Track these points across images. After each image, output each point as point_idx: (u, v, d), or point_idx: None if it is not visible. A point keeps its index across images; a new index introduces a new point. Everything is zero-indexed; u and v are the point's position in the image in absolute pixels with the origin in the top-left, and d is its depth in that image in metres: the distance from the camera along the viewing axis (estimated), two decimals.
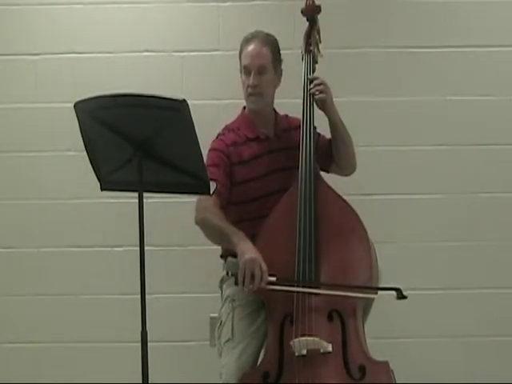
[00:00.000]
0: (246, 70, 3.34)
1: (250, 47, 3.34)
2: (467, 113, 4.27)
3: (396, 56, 4.26)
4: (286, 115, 3.53)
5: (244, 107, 3.47)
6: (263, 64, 3.33)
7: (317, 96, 3.32)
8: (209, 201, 3.17)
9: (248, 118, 3.44)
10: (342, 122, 3.40)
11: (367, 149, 4.23)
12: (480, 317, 4.27)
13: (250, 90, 3.34)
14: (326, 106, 3.33)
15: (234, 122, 3.47)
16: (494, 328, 4.27)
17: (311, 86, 3.33)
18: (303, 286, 3.11)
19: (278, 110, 3.52)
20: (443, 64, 4.26)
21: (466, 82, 4.27)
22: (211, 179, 3.09)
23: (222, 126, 3.47)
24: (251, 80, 3.32)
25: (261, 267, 3.01)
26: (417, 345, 4.22)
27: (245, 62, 3.35)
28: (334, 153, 3.46)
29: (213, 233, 3.23)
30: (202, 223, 3.23)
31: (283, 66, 3.43)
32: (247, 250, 3.05)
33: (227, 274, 3.36)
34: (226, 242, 3.19)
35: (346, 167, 3.52)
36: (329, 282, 3.14)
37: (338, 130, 3.39)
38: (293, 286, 3.10)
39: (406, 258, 4.24)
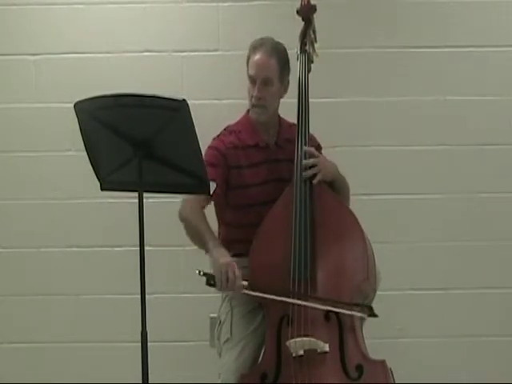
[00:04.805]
0: (252, 80, 3.28)
1: (257, 56, 3.27)
2: (467, 113, 4.27)
3: (396, 56, 4.26)
4: (292, 124, 3.42)
5: (248, 110, 3.39)
6: (269, 76, 3.26)
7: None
8: (195, 200, 3.18)
9: (251, 123, 3.38)
10: (342, 180, 3.38)
11: (367, 149, 4.24)
12: (480, 317, 4.26)
13: (254, 100, 3.29)
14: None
15: (236, 124, 3.42)
16: (494, 328, 4.27)
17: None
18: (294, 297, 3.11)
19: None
20: (443, 64, 4.26)
21: (466, 81, 4.27)
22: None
23: (222, 126, 3.44)
24: (256, 91, 3.26)
25: (234, 272, 3.04)
26: (416, 345, 4.22)
27: (251, 71, 3.28)
28: None
29: (192, 233, 3.24)
30: (184, 222, 3.25)
31: None
32: (221, 256, 3.08)
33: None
34: (201, 244, 3.20)
35: None
36: (320, 288, 3.13)
37: (336, 185, 3.36)
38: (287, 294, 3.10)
39: (406, 257, 4.24)
